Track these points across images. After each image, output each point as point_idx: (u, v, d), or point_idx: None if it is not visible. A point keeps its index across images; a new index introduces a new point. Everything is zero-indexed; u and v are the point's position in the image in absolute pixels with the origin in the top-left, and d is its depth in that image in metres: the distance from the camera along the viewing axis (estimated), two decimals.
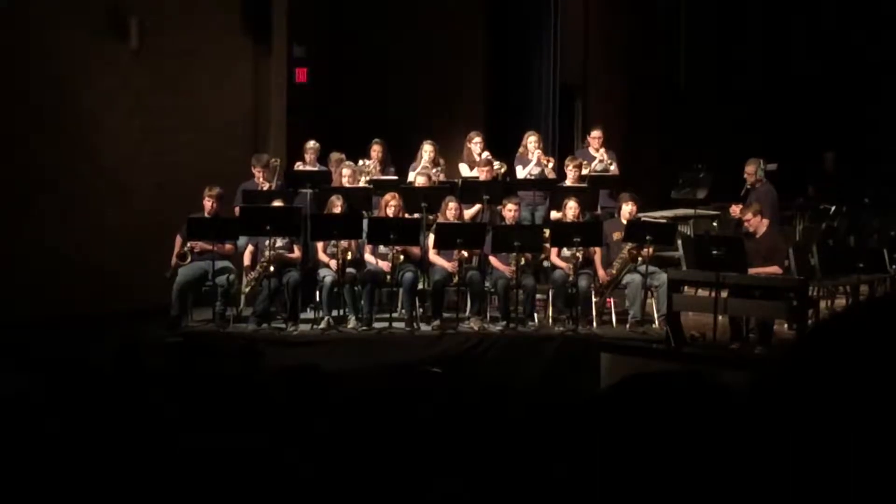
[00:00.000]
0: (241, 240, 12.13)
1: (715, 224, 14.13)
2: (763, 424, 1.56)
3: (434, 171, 13.26)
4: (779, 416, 1.53)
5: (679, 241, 12.61)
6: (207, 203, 11.89)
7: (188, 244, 11.86)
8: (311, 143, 13.29)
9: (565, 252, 12.10)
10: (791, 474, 1.51)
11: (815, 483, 1.49)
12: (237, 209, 12.41)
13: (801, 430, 1.51)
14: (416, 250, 12.01)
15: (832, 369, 1.53)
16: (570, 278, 11.91)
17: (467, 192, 12.85)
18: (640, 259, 11.90)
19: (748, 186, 12.94)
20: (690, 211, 14.37)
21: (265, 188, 12.64)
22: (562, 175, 13.45)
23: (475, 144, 13.68)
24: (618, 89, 18.38)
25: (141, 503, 3.59)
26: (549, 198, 13.14)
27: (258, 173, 12.70)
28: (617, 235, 12.16)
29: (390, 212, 11.91)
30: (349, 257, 11.79)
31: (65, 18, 12.31)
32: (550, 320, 12.12)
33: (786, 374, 1.59)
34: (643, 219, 12.79)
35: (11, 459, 3.86)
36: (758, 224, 11.48)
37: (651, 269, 11.85)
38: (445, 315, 11.94)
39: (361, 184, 12.96)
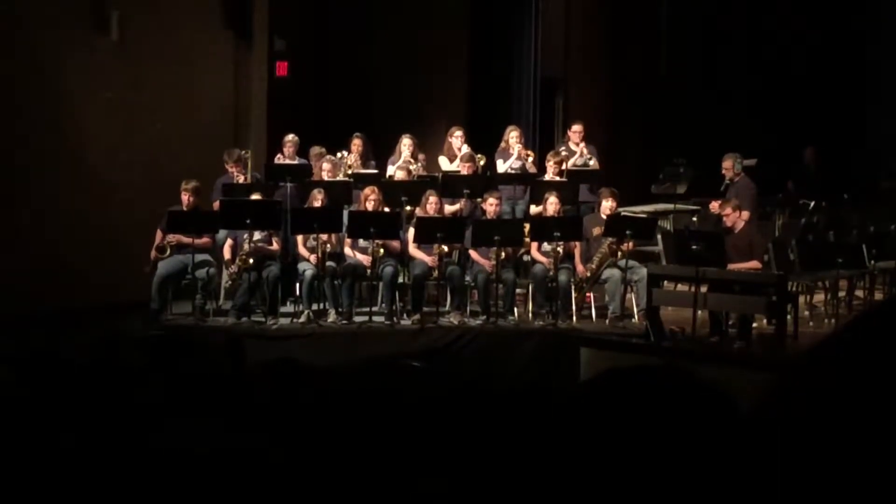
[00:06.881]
0: (221, 233, 12.11)
1: (695, 219, 14.16)
2: (768, 427, 1.56)
3: (414, 165, 13.26)
4: (789, 420, 1.53)
5: (659, 236, 12.65)
6: (184, 197, 11.87)
7: (165, 238, 11.84)
8: (290, 137, 13.29)
9: (546, 246, 12.10)
10: (783, 477, 1.51)
11: (811, 488, 1.49)
12: (216, 203, 12.39)
13: (810, 436, 1.51)
14: (395, 244, 12.01)
15: (851, 377, 1.53)
16: (551, 273, 11.92)
17: (448, 186, 12.85)
18: (619, 254, 11.92)
19: (727, 181, 12.96)
20: (670, 206, 14.39)
21: (241, 181, 12.66)
22: (543, 169, 13.45)
23: (456, 138, 13.67)
24: (599, 84, 18.40)
25: (120, 501, 3.57)
26: (529, 192, 13.15)
27: (232, 168, 12.72)
28: (597, 230, 12.16)
29: (370, 206, 11.90)
30: (329, 250, 11.79)
31: (45, 11, 12.23)
32: (530, 315, 12.12)
33: (805, 381, 1.59)
34: (623, 213, 12.81)
35: None
36: (736, 219, 11.50)
37: (631, 263, 11.87)
38: (425, 309, 11.94)
39: (341, 178, 12.96)
